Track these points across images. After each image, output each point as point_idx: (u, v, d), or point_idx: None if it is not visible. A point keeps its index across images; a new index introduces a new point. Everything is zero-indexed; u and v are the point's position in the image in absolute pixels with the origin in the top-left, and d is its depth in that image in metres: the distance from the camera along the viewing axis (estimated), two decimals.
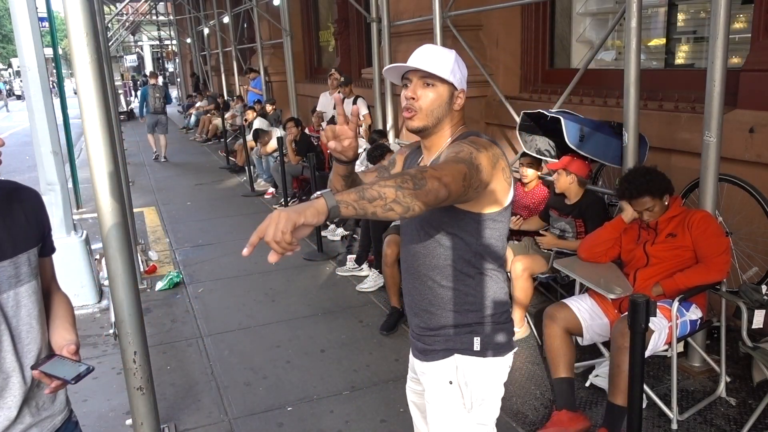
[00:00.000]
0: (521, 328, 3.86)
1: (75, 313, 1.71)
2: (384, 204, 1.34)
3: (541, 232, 3.97)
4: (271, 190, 8.48)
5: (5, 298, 1.49)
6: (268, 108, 10.25)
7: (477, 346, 1.74)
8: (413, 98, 1.70)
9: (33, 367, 1.45)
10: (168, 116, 12.18)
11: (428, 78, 1.68)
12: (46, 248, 1.63)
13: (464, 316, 1.74)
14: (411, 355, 1.94)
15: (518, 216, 4.22)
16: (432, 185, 1.39)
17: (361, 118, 7.28)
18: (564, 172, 3.73)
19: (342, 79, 7.71)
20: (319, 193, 1.32)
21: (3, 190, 1.52)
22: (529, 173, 4.28)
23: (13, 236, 1.49)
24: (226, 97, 14.66)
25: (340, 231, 6.29)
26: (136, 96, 21.00)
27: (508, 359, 1.80)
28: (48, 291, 1.69)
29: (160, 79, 14.03)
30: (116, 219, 2.43)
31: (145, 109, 11.97)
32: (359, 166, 6.57)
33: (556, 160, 3.92)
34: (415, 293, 1.81)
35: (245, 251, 1.20)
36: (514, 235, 4.28)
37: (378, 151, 4.96)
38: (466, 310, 1.74)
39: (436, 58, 1.69)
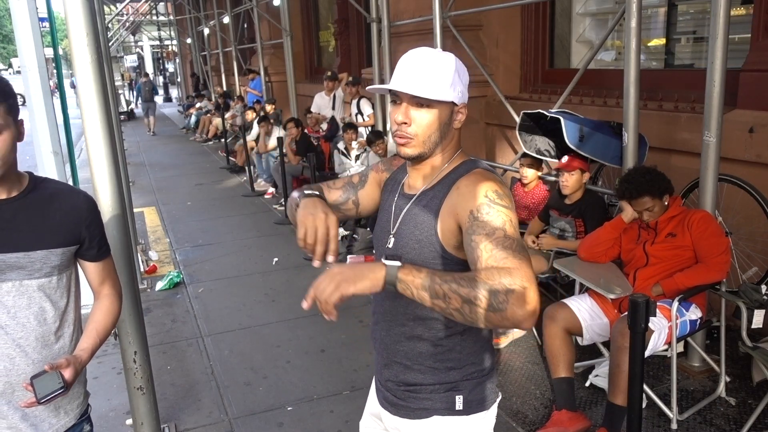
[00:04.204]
0: None
1: (110, 319, 1.71)
2: (445, 307, 1.21)
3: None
4: (271, 190, 8.48)
5: (8, 286, 1.53)
6: (268, 108, 10.25)
7: (459, 405, 1.49)
8: (405, 123, 1.39)
9: (32, 377, 1.47)
10: (156, 103, 16.81)
11: (422, 98, 1.38)
12: (89, 254, 1.66)
13: (445, 375, 1.49)
14: (372, 398, 1.70)
15: None
16: (513, 309, 1.16)
17: (366, 119, 7.32)
18: (579, 171, 3.69)
19: (351, 78, 7.75)
20: (388, 262, 1.23)
21: (48, 190, 1.59)
22: (529, 174, 4.27)
23: (38, 233, 1.54)
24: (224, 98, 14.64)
25: (341, 231, 6.29)
26: (132, 92, 24.93)
27: (493, 410, 1.56)
28: (96, 296, 1.74)
29: (151, 77, 20.47)
30: (116, 219, 2.43)
31: (140, 99, 17.68)
32: (359, 167, 6.57)
33: (556, 160, 3.91)
34: (389, 341, 1.54)
35: (304, 305, 1.22)
36: None
37: (376, 137, 5.95)
38: (449, 367, 1.49)
39: (432, 73, 1.36)
